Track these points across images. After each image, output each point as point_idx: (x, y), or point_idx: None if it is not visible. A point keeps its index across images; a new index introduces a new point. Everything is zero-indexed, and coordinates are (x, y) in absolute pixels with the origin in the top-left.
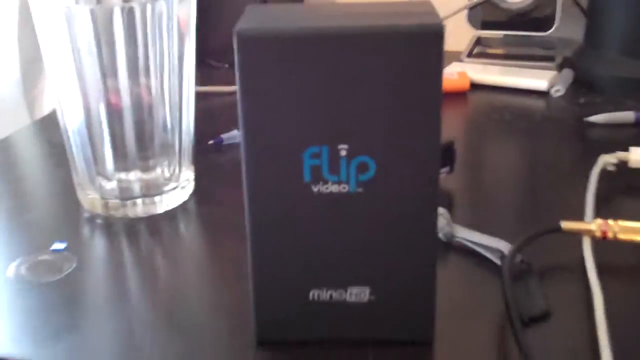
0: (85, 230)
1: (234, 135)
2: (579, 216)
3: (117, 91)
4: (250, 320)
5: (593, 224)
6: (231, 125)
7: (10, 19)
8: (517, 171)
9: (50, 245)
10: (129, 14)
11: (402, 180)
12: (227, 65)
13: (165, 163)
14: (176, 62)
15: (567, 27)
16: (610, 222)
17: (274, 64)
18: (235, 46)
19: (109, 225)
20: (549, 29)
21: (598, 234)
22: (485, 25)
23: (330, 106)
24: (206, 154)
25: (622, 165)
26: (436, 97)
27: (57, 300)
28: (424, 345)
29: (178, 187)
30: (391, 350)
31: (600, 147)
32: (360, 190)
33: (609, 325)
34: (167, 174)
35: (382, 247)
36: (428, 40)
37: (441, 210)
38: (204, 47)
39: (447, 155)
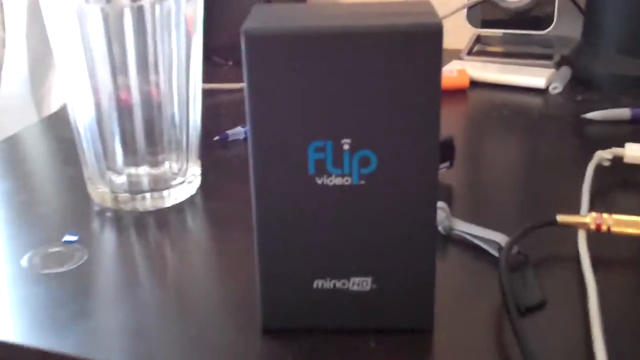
0: (96, 223)
1: (239, 132)
2: (575, 210)
3: (127, 88)
4: (256, 309)
5: (588, 217)
6: (236, 121)
7: (18, 18)
8: (515, 166)
9: (62, 238)
10: (138, 13)
11: (403, 173)
12: (231, 63)
13: (174, 158)
14: (184, 59)
15: (565, 26)
16: (605, 215)
17: (280, 61)
18: (242, 45)
19: (118, 219)
20: (547, 28)
21: (592, 226)
22: (485, 24)
23: (334, 102)
24: (212, 149)
25: (618, 160)
26: (435, 94)
27: (70, 290)
28: (424, 332)
29: (185, 181)
30: (392, 337)
31: (597, 143)
32: (362, 182)
33: (602, 315)
34: (175, 169)
35: (383, 238)
36: (427, 39)
37: (441, 204)
38: (208, 44)
39: (447, 150)
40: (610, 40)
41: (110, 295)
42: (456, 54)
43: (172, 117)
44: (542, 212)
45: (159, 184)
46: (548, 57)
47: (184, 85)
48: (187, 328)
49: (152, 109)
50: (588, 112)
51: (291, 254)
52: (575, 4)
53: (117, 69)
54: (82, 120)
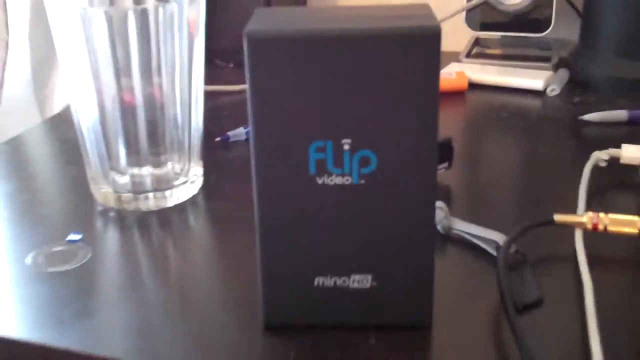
0: (99, 222)
1: (240, 133)
2: (572, 209)
3: (131, 90)
4: (258, 307)
5: (585, 217)
6: (237, 123)
7: (21, 20)
8: (513, 167)
9: (66, 237)
10: (142, 16)
11: (402, 173)
12: (232, 65)
13: (176, 159)
14: (186, 61)
15: (563, 29)
16: (601, 215)
17: (282, 63)
18: (245, 47)
19: (121, 218)
20: (545, 31)
21: (589, 226)
22: (484, 27)
23: (334, 103)
24: (213, 150)
25: (614, 161)
26: (433, 95)
27: (74, 288)
28: (423, 329)
29: (188, 181)
30: (392, 334)
31: (594, 144)
32: (362, 182)
33: (598, 313)
34: (177, 169)
35: (383, 237)
36: (425, 42)
37: (439, 203)
38: (210, 47)
39: (446, 151)
40: (608, 43)
41: (114, 294)
42: (455, 56)
43: (175, 119)
44: (539, 212)
45: (162, 184)
46: (546, 59)
47: (186, 87)
48: (190, 325)
49: (155, 110)
50: (585, 114)
51: (292, 251)
52: (573, 7)
53: (121, 70)
54: (86, 121)
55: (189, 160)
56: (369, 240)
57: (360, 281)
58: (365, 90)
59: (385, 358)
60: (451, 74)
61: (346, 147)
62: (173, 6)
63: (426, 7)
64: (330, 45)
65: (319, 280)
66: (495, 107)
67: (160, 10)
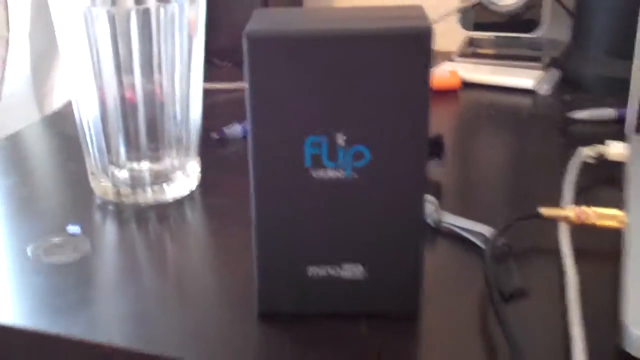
0: (98, 216)
1: (237, 130)
2: (558, 204)
3: (132, 87)
4: (253, 297)
5: (570, 211)
6: (233, 120)
7: (22, 17)
8: (504, 163)
9: (66, 229)
10: (144, 16)
11: (394, 167)
12: (229, 64)
13: (174, 154)
14: (186, 60)
15: (555, 29)
16: (586, 209)
17: (280, 62)
18: (244, 46)
19: (120, 212)
20: (537, 31)
21: (574, 219)
22: (477, 27)
23: (330, 100)
24: (210, 147)
25: (601, 157)
26: (424, 93)
27: (73, 279)
28: (412, 318)
29: (185, 176)
30: (382, 322)
31: (583, 141)
32: (355, 176)
33: (580, 303)
34: (175, 165)
35: (375, 228)
36: (417, 42)
37: (430, 198)
38: (208, 46)
39: (437, 148)
40: (598, 43)
41: (112, 284)
42: (448, 56)
43: (174, 115)
44: (527, 206)
45: (160, 179)
46: (537, 59)
47: (185, 84)
48: (187, 315)
49: (155, 107)
50: (575, 112)
51: (287, 242)
52: (565, 7)
53: (123, 68)
54: (87, 116)
55: (187, 156)
56: (361, 232)
57: (352, 271)
58: (359, 88)
59: (375, 345)
60: (445, 73)
61: (340, 141)
62: (174, 6)
63: (419, 9)
64: (326, 44)
65: (312, 270)
66: (487, 106)
67: (162, 10)
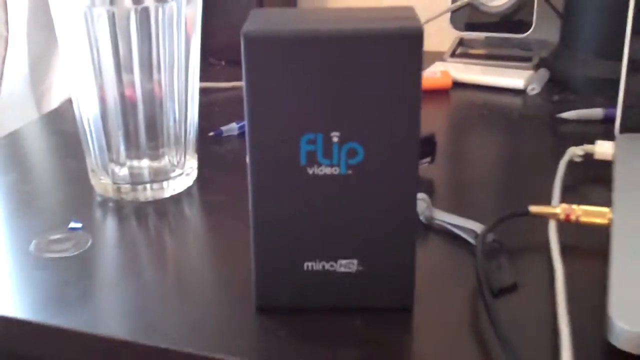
0: (98, 212)
1: (233, 128)
2: (547, 202)
3: (132, 85)
4: (250, 291)
5: (558, 208)
6: (229, 118)
7: (20, 16)
8: (494, 162)
9: (67, 225)
10: (143, 15)
11: (387, 164)
12: (224, 63)
13: (173, 152)
14: (184, 59)
15: (544, 30)
16: (574, 206)
17: (276, 61)
18: (242, 46)
19: (120, 208)
20: (527, 32)
21: (562, 217)
22: (468, 28)
23: (324, 98)
24: (207, 145)
25: (589, 156)
26: (416, 92)
27: (75, 273)
28: (405, 311)
29: (183, 174)
30: (376, 315)
31: (571, 141)
32: (350, 172)
33: (567, 296)
34: (173, 162)
35: (368, 224)
36: (409, 42)
37: (422, 195)
38: (203, 46)
39: (429, 146)
40: (587, 44)
41: (113, 278)
42: (440, 56)
43: (173, 114)
44: (516, 203)
45: (159, 176)
46: (527, 59)
47: (183, 83)
48: (186, 307)
49: (155, 105)
50: (564, 112)
51: (283, 237)
52: (554, 9)
53: (122, 67)
54: (88, 115)
55: (185, 154)
56: (356, 227)
57: (347, 265)
58: (353, 87)
59: (369, 338)
60: (436, 73)
61: (335, 139)
62: (172, 5)
63: (410, 10)
64: (321, 44)
65: (308, 265)
66: (477, 105)
67: (160, 9)
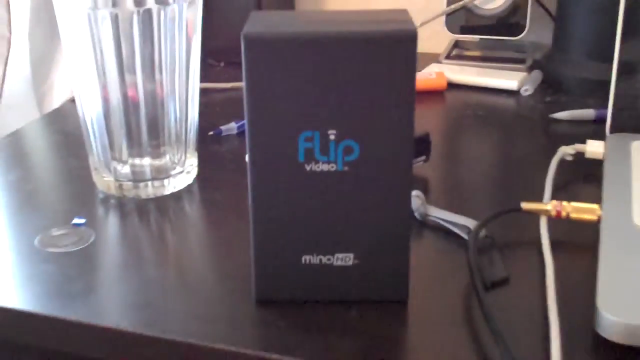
0: (101, 209)
1: (232, 127)
2: (539, 199)
3: (134, 86)
4: (249, 284)
5: (549, 205)
6: (228, 118)
7: (22, 17)
8: (487, 161)
9: (71, 221)
10: (146, 17)
11: (382, 161)
12: (223, 64)
13: (174, 150)
14: (184, 60)
15: (538, 33)
16: (564, 203)
17: (275, 62)
18: (242, 47)
19: (122, 205)
20: (521, 34)
21: (553, 213)
22: (463, 30)
23: (322, 97)
24: (207, 144)
25: (580, 155)
26: (410, 92)
27: (79, 267)
28: (400, 304)
29: (184, 171)
30: (372, 307)
31: (563, 141)
32: (346, 169)
33: (557, 291)
34: (175, 160)
35: (364, 219)
36: (403, 44)
37: (417, 192)
38: (203, 47)
39: (424, 145)
40: (579, 46)
41: (116, 272)
42: (435, 58)
43: (174, 113)
44: (509, 200)
45: (160, 174)
46: (521, 61)
47: (184, 83)
48: (188, 300)
49: (156, 105)
50: (556, 112)
51: (282, 231)
52: (547, 12)
53: (125, 68)
54: (91, 114)
55: (185, 152)
56: (352, 222)
57: (344, 259)
58: (349, 87)
59: (365, 330)
60: (431, 74)
61: (332, 137)
62: (174, 7)
63: (405, 13)
64: (318, 46)
65: (306, 258)
66: (472, 106)
67: (162, 11)
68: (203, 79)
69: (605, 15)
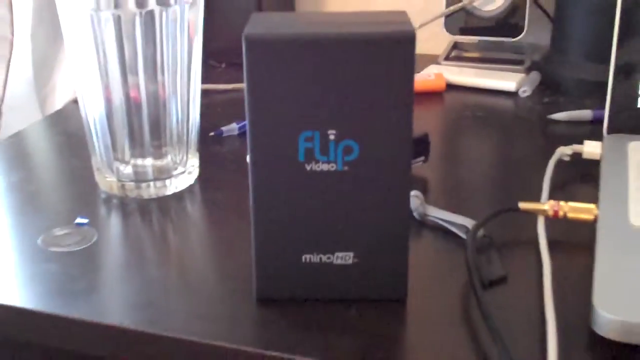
0: (103, 209)
1: (233, 128)
2: (537, 199)
3: (137, 87)
4: (250, 283)
5: (546, 205)
6: (229, 119)
7: (24, 19)
8: (486, 161)
9: (73, 221)
10: (148, 19)
11: (381, 161)
12: (224, 65)
13: (175, 151)
14: (186, 61)
15: (536, 34)
16: (562, 203)
17: (276, 62)
18: (243, 48)
19: (124, 205)
20: (519, 35)
21: (550, 213)
22: (462, 32)
23: (322, 98)
24: (208, 144)
25: (577, 156)
26: (408, 93)
27: (82, 266)
28: (399, 302)
29: (185, 172)
30: (371, 305)
31: (560, 141)
32: (346, 168)
33: (554, 290)
34: (176, 161)
35: (364, 218)
36: (402, 46)
37: (416, 192)
38: (204, 49)
39: (423, 146)
40: (577, 47)
41: (119, 271)
42: (434, 59)
43: (176, 114)
44: (507, 200)
45: (162, 174)
46: (519, 62)
47: (186, 84)
48: (189, 299)
49: (158, 106)
50: (554, 113)
51: (283, 231)
52: (546, 13)
53: (128, 69)
54: (94, 115)
55: (187, 153)
56: (351, 221)
57: (343, 258)
58: (348, 87)
59: (364, 328)
60: (430, 75)
61: (332, 137)
62: (175, 9)
63: (403, 14)
64: (318, 47)
65: (306, 257)
66: (470, 107)
67: (164, 13)
68: (204, 80)
69: (602, 17)
